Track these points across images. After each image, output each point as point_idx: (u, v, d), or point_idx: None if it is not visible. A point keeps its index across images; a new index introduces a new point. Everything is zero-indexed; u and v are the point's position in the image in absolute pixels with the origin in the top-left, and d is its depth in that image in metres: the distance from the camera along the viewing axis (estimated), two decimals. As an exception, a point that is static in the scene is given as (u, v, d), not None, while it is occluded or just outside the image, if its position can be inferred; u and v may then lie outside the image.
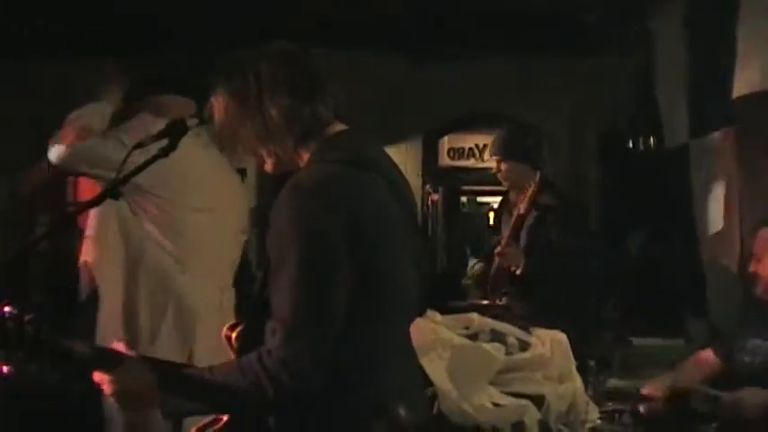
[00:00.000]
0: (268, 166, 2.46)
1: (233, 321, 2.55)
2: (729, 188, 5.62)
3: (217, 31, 6.49)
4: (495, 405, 2.76)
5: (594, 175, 7.92)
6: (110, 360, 2.32)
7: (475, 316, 3.06)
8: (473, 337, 3.00)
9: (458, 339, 2.90)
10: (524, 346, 3.01)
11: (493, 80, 7.79)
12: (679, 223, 6.54)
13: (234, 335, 2.46)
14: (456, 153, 8.84)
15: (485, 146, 8.23)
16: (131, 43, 6.45)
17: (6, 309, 2.32)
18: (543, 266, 4.87)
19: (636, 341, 5.80)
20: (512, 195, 5.27)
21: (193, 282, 3.68)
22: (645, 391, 3.61)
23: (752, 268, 3.77)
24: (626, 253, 7.25)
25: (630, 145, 7.11)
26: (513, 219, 5.06)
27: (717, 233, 5.81)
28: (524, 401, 2.78)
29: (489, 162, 5.92)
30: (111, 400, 2.34)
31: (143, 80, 4.04)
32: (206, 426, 2.41)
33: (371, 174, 2.34)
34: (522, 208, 5.00)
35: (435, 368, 2.78)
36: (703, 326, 5.98)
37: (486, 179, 6.86)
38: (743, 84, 5.22)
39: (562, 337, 3.05)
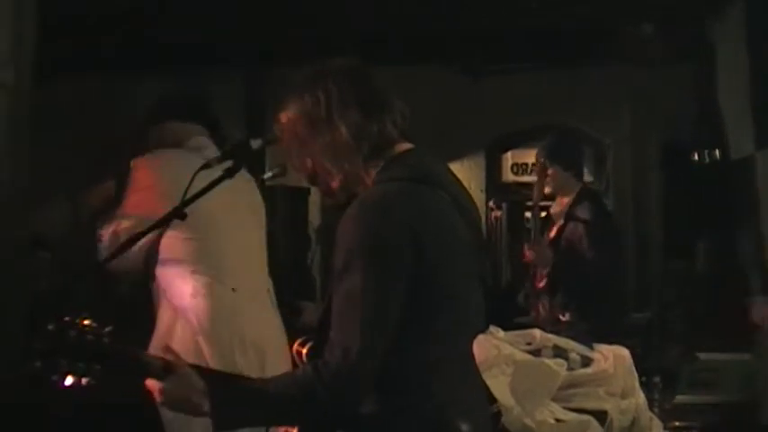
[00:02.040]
0: (335, 184, 2.47)
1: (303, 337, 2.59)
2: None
3: (273, 47, 6.56)
4: (558, 421, 2.76)
5: (657, 187, 7.85)
6: (161, 368, 2.37)
7: (537, 332, 3.05)
8: (536, 352, 2.99)
9: (520, 355, 2.90)
10: (587, 362, 2.99)
11: (555, 93, 7.78)
12: (746, 236, 6.45)
13: (305, 350, 2.50)
14: (519, 168, 8.83)
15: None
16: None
17: (86, 322, 2.40)
18: (571, 274, 4.92)
19: (703, 356, 5.73)
20: (553, 206, 5.30)
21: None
22: None
23: None
24: (692, 266, 7.18)
25: (695, 157, 7.05)
26: (555, 228, 5.12)
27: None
28: (586, 417, 2.76)
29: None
30: (163, 407, 2.39)
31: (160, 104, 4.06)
32: None
33: (435, 190, 2.36)
34: (561, 218, 5.07)
35: (498, 384, 2.78)
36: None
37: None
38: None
39: (625, 352, 3.02)
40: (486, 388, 2.67)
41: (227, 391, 2.33)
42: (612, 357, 2.97)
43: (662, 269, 7.21)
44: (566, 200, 5.23)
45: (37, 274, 3.73)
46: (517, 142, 8.61)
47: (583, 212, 5.13)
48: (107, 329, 2.43)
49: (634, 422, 2.87)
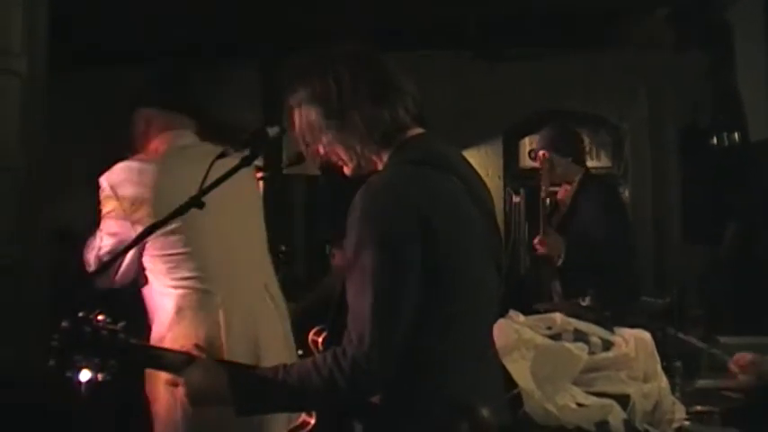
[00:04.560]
0: (347, 170, 2.46)
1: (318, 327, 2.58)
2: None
3: (292, 31, 6.54)
4: (579, 405, 2.74)
5: (675, 171, 7.79)
6: (181, 361, 2.37)
7: (558, 316, 3.04)
8: (556, 337, 2.98)
9: (541, 339, 2.88)
10: (607, 346, 2.98)
11: (572, 78, 7.74)
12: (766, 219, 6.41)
13: (320, 339, 2.49)
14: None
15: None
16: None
17: (100, 317, 2.39)
18: (583, 259, 4.90)
19: (724, 340, 5.68)
20: (559, 192, 5.29)
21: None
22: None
23: None
24: (713, 249, 7.12)
25: (714, 140, 6.98)
26: (562, 214, 5.12)
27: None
28: (608, 401, 2.75)
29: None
30: (184, 400, 2.38)
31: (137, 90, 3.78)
32: (293, 431, 2.44)
33: (445, 174, 2.33)
34: (567, 203, 5.07)
35: (518, 368, 2.78)
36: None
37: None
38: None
39: (646, 335, 3.01)
40: (506, 372, 2.67)
41: (248, 379, 2.33)
42: (634, 341, 2.96)
43: (681, 253, 7.14)
44: (570, 186, 5.23)
45: (59, 267, 3.67)
46: (534, 128, 8.54)
47: (586, 197, 5.13)
48: (121, 324, 2.43)
49: (656, 406, 2.86)
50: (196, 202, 2.86)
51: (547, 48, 7.57)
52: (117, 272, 3.34)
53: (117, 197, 3.32)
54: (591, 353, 2.87)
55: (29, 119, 1.85)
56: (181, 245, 3.32)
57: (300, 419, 2.51)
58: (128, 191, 3.31)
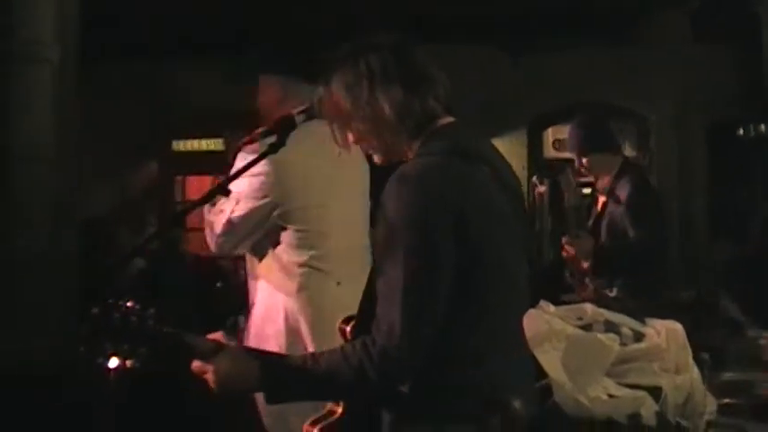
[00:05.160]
0: (377, 159, 2.46)
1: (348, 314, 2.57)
2: None
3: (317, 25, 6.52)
4: (611, 396, 2.72)
5: (702, 163, 7.74)
6: (210, 349, 2.37)
7: (588, 306, 3.02)
8: (587, 327, 2.96)
9: (572, 330, 2.87)
10: (639, 337, 2.95)
11: (597, 69, 7.69)
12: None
13: (348, 328, 2.48)
14: (561, 144, 8.75)
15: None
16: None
17: (129, 304, 2.40)
18: (612, 258, 4.86)
19: (752, 333, 5.63)
20: (599, 182, 5.22)
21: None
22: None
23: None
24: (742, 242, 7.07)
25: (741, 132, 6.93)
26: (599, 207, 5.07)
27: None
28: (641, 393, 2.73)
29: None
30: (213, 387, 2.38)
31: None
32: (319, 419, 2.44)
33: (477, 164, 2.32)
34: (604, 195, 5.02)
35: (549, 359, 2.76)
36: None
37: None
38: None
39: (678, 327, 2.98)
40: (536, 362, 2.66)
41: (277, 367, 2.32)
42: (665, 332, 2.94)
43: (708, 246, 7.09)
44: (608, 177, 5.17)
45: (89, 255, 3.69)
46: (558, 119, 8.53)
47: (623, 188, 5.06)
48: (151, 311, 2.44)
49: (688, 398, 2.83)
50: (221, 189, 2.89)
51: (574, 40, 7.53)
52: (245, 238, 3.56)
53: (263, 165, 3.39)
54: (622, 344, 2.85)
55: (61, 109, 1.84)
56: (305, 222, 3.52)
57: (327, 408, 2.50)
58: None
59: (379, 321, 2.18)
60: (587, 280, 5.02)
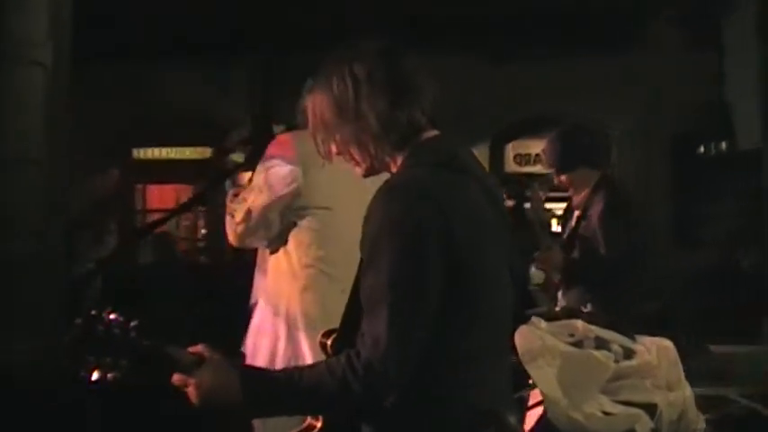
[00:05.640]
0: (360, 170, 2.44)
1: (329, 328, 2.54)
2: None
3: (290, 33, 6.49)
4: (606, 414, 2.71)
5: (664, 177, 7.82)
6: (192, 361, 2.32)
7: (579, 323, 3.01)
8: (578, 344, 2.96)
9: (564, 347, 2.85)
10: (628, 354, 2.95)
11: (561, 82, 7.75)
12: (755, 227, 6.45)
13: (329, 341, 2.45)
14: (522, 159, 8.82)
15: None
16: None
17: (111, 316, 2.35)
18: (583, 272, 4.85)
19: (714, 348, 5.68)
20: (575, 198, 5.20)
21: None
22: None
23: None
24: (702, 257, 7.17)
25: (702, 148, 7.03)
26: (573, 221, 5.05)
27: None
28: (635, 410, 2.72)
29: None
30: (194, 401, 2.34)
31: None
32: None
33: (463, 175, 2.31)
34: (579, 210, 5.00)
35: (543, 376, 2.74)
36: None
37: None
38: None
39: (668, 344, 2.99)
40: (519, 376, 2.64)
41: (259, 380, 2.29)
42: (656, 349, 2.94)
43: (670, 260, 7.15)
44: (585, 192, 5.14)
45: (77, 259, 3.64)
46: (519, 133, 8.59)
47: (598, 203, 5.05)
48: (133, 324, 2.40)
49: (682, 415, 2.84)
50: (201, 198, 2.87)
51: (539, 52, 7.57)
52: (265, 228, 3.59)
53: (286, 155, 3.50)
54: (614, 361, 2.85)
55: (53, 110, 1.80)
56: (327, 223, 3.55)
57: (306, 422, 2.46)
58: (300, 150, 3.46)
59: (365, 334, 2.15)
60: (559, 294, 5.02)
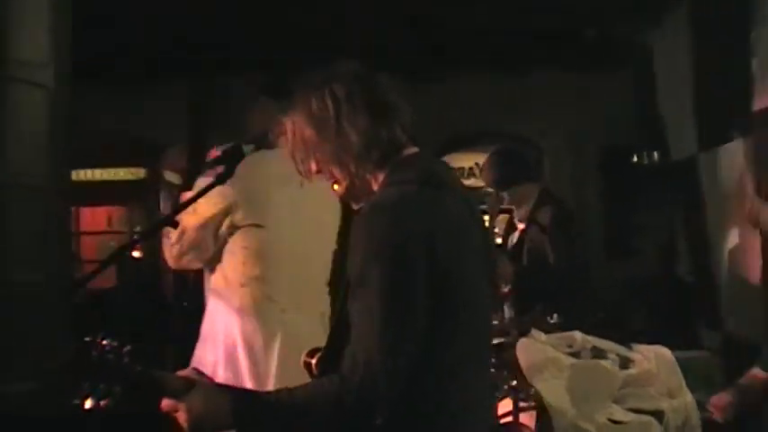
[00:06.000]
0: (339, 189, 2.43)
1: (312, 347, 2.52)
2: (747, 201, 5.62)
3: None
4: (614, 422, 2.75)
5: (596, 189, 7.94)
6: (181, 386, 2.29)
7: (578, 334, 3.06)
8: (575, 354, 2.99)
9: (566, 359, 2.89)
10: (625, 363, 3.01)
11: (491, 97, 7.82)
12: (691, 236, 6.60)
13: (314, 361, 2.43)
14: (457, 172, 8.87)
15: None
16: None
17: (104, 342, 2.30)
18: (534, 282, 4.93)
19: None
20: (516, 213, 5.28)
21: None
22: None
23: None
24: (635, 266, 7.31)
25: (635, 159, 7.18)
26: (517, 234, 5.13)
27: (735, 245, 5.83)
28: (646, 417, 2.77)
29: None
30: (185, 426, 2.30)
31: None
32: None
33: (447, 192, 2.33)
34: (523, 224, 5.08)
35: (550, 388, 2.77)
36: (718, 337, 6.02)
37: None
38: (764, 95, 5.25)
39: (665, 351, 3.05)
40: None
41: (250, 403, 2.26)
42: (654, 357, 3.00)
43: (603, 270, 7.27)
44: (526, 206, 5.23)
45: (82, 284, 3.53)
46: (455, 146, 8.64)
47: (544, 216, 5.14)
48: (126, 349, 2.36)
49: (686, 421, 2.89)
50: (169, 221, 2.83)
51: (471, 69, 7.63)
52: (199, 247, 3.50)
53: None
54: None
55: (56, 135, 1.75)
56: (261, 241, 3.46)
57: None
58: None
59: (355, 354, 2.14)
60: (506, 305, 5.08)
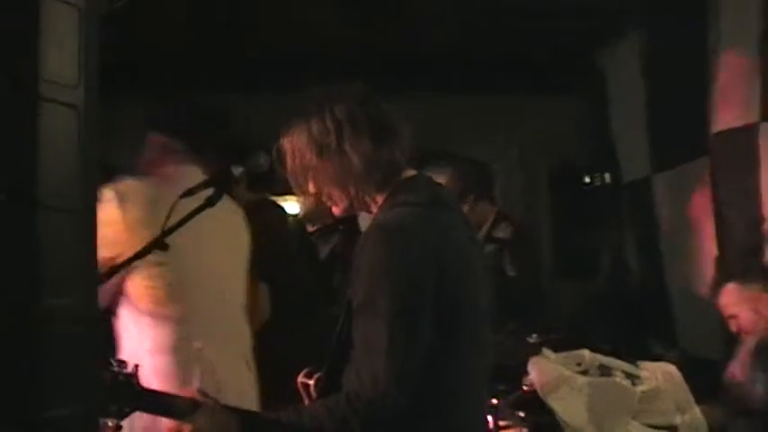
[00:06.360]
0: (336, 210, 2.46)
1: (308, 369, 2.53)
2: (702, 219, 5.77)
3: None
4: (634, 438, 2.81)
5: (546, 211, 8.02)
6: (188, 407, 2.30)
7: (586, 352, 3.11)
8: (584, 373, 3.04)
9: (581, 378, 2.93)
10: (633, 380, 3.06)
11: (444, 119, 7.83)
12: (645, 254, 6.72)
13: (312, 382, 2.45)
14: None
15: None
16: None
17: (116, 363, 2.31)
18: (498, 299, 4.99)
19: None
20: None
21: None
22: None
23: (734, 327, 3.87)
24: (587, 286, 7.40)
25: (587, 180, 7.29)
26: None
27: (691, 264, 5.96)
28: (662, 433, 2.84)
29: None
30: None
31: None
32: None
33: (450, 213, 2.38)
34: (482, 241, 5.13)
35: (566, 406, 2.81)
36: (675, 353, 6.13)
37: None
38: (722, 117, 5.38)
39: (671, 368, 3.12)
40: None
41: (259, 422, 2.29)
42: (661, 374, 3.06)
43: (555, 291, 7.35)
44: (485, 226, 5.30)
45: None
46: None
47: (503, 232, 5.22)
48: (135, 369, 2.35)
49: (694, 435, 2.96)
50: (159, 243, 2.77)
51: (420, 90, 7.65)
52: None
53: (117, 214, 3.15)
54: (627, 387, 2.96)
55: (86, 156, 1.74)
56: (168, 280, 3.19)
57: None
58: (131, 208, 3.16)
59: (361, 373, 2.17)
60: None
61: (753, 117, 4.91)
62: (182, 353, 3.20)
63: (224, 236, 3.47)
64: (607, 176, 7.12)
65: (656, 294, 6.43)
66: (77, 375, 1.85)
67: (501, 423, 3.36)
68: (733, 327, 3.84)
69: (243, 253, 3.59)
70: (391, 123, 2.42)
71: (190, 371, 3.20)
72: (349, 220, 5.05)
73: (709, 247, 5.61)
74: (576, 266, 7.39)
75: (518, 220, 5.80)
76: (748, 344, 3.66)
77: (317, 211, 4.83)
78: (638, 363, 3.17)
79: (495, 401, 3.36)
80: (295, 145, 2.42)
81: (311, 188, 2.44)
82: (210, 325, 3.32)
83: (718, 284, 3.97)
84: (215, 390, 2.74)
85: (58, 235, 1.85)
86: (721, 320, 5.24)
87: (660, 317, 6.37)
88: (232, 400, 2.57)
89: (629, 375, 3.07)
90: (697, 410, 3.01)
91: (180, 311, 3.22)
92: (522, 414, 3.52)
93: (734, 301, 3.80)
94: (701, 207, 5.72)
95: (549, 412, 2.90)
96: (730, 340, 5.09)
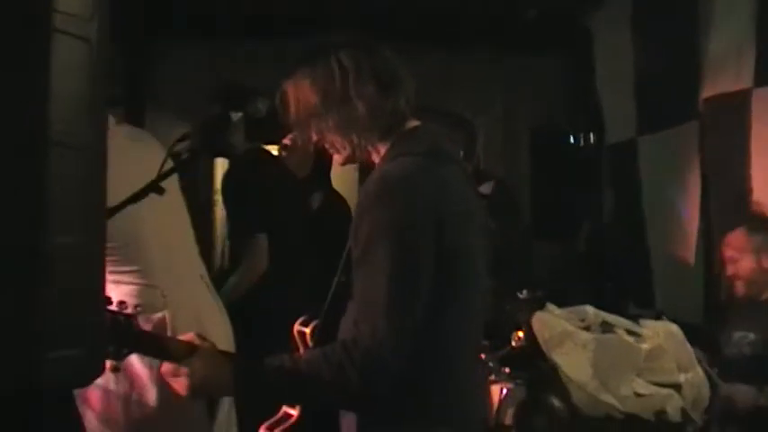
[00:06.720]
0: (338, 158, 2.44)
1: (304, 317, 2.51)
2: (687, 184, 5.79)
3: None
4: (639, 395, 2.81)
5: (527, 170, 7.99)
6: (184, 350, 2.28)
7: (590, 308, 3.10)
8: (587, 329, 3.04)
9: (584, 334, 2.92)
10: (634, 338, 3.06)
11: (426, 76, 7.78)
12: (626, 217, 6.75)
13: (308, 330, 2.43)
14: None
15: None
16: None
17: (113, 303, 2.29)
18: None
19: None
20: None
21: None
22: None
23: (729, 272, 3.91)
24: (567, 247, 7.42)
25: (571, 140, 7.27)
26: None
27: (673, 228, 5.98)
28: (667, 390, 2.84)
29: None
30: (185, 391, 2.26)
31: None
32: (275, 423, 2.38)
33: (452, 165, 2.36)
34: None
35: (570, 361, 2.81)
36: (651, 317, 6.17)
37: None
38: (711, 83, 5.38)
39: (673, 327, 3.12)
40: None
41: (252, 369, 2.26)
42: (663, 333, 3.06)
43: (533, 250, 7.36)
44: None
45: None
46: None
47: (485, 188, 5.23)
48: (136, 310, 2.34)
49: (697, 394, 2.97)
50: (155, 187, 2.73)
51: (407, 45, 7.57)
52: None
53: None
54: (629, 344, 2.96)
55: (96, 92, 1.68)
56: (122, 236, 3.15)
57: (282, 411, 2.44)
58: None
59: (360, 322, 2.15)
60: None
61: (746, 82, 4.90)
62: (149, 298, 3.23)
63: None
64: (591, 138, 7.11)
65: (636, 257, 6.44)
66: (82, 316, 1.81)
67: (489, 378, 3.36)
68: (729, 270, 3.87)
69: (179, 194, 3.62)
70: (396, 72, 2.38)
71: (160, 321, 3.25)
72: (323, 176, 5.06)
73: (692, 213, 5.63)
74: (555, 227, 7.38)
75: (499, 176, 5.80)
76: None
77: (295, 164, 4.79)
78: (640, 321, 3.18)
79: (482, 356, 3.36)
80: (299, 90, 2.37)
81: (313, 135, 2.40)
82: (169, 271, 3.37)
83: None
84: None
85: (69, 171, 1.79)
86: (701, 285, 5.33)
87: (640, 280, 6.39)
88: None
89: (630, 333, 3.07)
90: (699, 369, 3.02)
91: (139, 264, 3.27)
92: (507, 370, 3.54)
93: (740, 245, 3.83)
94: (687, 172, 5.72)
95: (538, 368, 2.90)
96: (709, 305, 5.16)
